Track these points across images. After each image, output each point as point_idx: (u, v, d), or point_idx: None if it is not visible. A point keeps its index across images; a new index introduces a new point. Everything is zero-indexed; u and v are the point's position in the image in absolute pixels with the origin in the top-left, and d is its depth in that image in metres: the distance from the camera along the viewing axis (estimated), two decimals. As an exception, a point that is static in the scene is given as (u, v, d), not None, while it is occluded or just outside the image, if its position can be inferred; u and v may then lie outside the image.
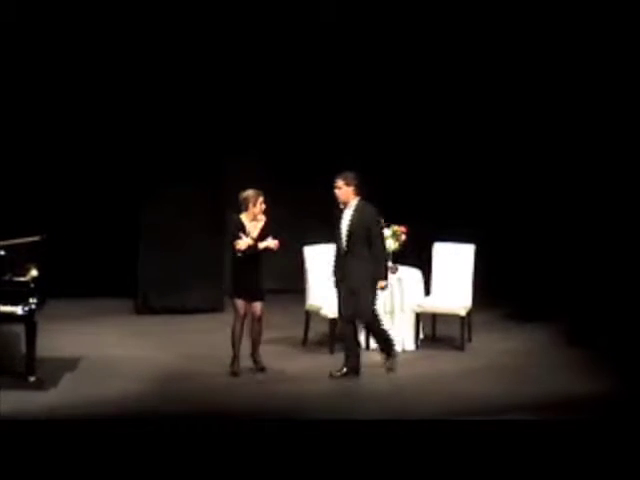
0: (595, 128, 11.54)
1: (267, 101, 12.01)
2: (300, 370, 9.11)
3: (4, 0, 11.11)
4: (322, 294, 9.87)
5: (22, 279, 8.46)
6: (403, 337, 9.79)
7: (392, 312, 9.82)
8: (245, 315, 9.09)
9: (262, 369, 9.12)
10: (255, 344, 9.18)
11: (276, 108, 12.04)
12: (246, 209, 9.11)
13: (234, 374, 9.02)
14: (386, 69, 12.04)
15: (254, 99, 11.97)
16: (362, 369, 9.24)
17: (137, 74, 11.70)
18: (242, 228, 9.06)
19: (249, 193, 9.10)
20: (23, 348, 8.50)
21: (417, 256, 10.24)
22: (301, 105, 12.03)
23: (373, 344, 9.74)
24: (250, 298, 9.06)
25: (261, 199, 9.08)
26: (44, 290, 8.64)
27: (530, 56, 11.73)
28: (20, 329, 8.54)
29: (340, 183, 8.95)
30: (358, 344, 9.11)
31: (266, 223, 9.14)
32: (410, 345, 9.83)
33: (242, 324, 9.09)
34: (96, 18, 11.47)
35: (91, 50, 11.59)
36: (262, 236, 9.07)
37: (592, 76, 11.46)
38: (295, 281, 10.45)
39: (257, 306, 9.08)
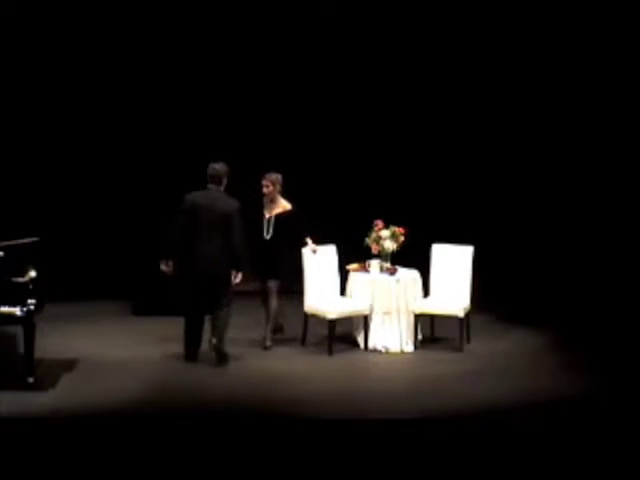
0: (590, 137, 11.59)
1: (264, 101, 12.02)
2: (299, 371, 9.11)
3: None
4: (321, 295, 9.90)
5: (21, 280, 8.44)
6: (402, 338, 9.79)
7: (390, 313, 9.82)
8: (263, 292, 9.85)
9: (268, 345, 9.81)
10: (269, 319, 9.88)
11: (273, 108, 12.04)
12: None
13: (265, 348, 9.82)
14: (385, 67, 12.06)
15: (250, 99, 11.99)
16: (361, 369, 9.34)
17: (137, 72, 11.73)
18: (257, 211, 9.78)
19: None
20: (22, 349, 8.49)
21: (415, 257, 10.23)
22: (299, 105, 12.03)
23: (372, 344, 9.78)
24: (266, 276, 9.77)
25: (264, 182, 9.76)
26: (43, 291, 8.62)
27: (528, 60, 11.77)
28: (19, 330, 8.52)
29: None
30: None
31: (281, 212, 9.74)
32: (409, 346, 9.83)
33: (263, 301, 9.89)
34: (96, 16, 11.48)
35: (91, 47, 11.61)
36: (278, 222, 9.73)
37: (585, 87, 11.51)
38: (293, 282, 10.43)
39: (272, 283, 9.76)
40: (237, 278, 9.29)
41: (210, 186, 9.29)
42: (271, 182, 9.79)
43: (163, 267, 9.34)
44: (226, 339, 9.36)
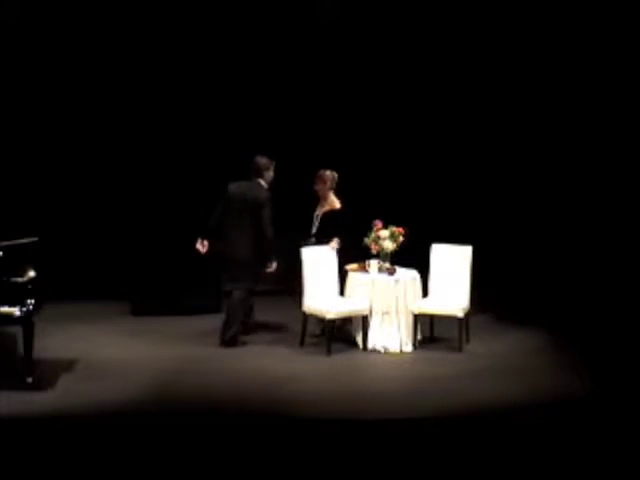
0: (589, 137, 11.60)
1: (266, 101, 12.03)
2: (298, 371, 9.11)
3: None
4: (319, 295, 9.89)
5: (20, 280, 8.43)
6: (401, 338, 9.79)
7: (390, 313, 9.82)
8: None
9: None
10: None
11: (275, 109, 12.05)
12: None
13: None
14: (384, 69, 12.08)
15: (253, 98, 12.01)
16: (360, 369, 9.34)
17: (136, 74, 11.74)
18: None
19: None
20: (21, 349, 8.49)
21: (415, 257, 10.23)
22: (301, 106, 12.04)
23: (371, 344, 9.77)
24: None
25: (316, 179, 10.15)
26: (41, 291, 8.62)
27: (528, 60, 11.77)
28: (18, 330, 8.53)
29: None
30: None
31: (328, 210, 10.05)
32: (408, 346, 9.83)
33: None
34: (100, 18, 11.49)
35: (92, 49, 11.63)
36: (323, 219, 10.08)
37: (585, 87, 11.52)
38: (293, 282, 10.44)
39: None
40: (269, 267, 9.82)
41: (252, 177, 9.86)
42: (321, 179, 10.10)
43: (198, 245, 9.90)
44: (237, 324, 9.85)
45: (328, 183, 10.14)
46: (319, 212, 10.19)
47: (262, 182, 9.87)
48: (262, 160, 9.89)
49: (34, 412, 7.77)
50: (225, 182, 9.88)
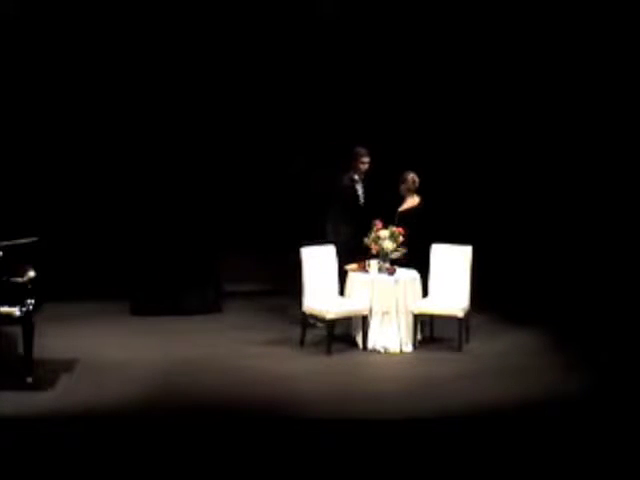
0: (589, 137, 11.60)
1: (264, 101, 12.03)
2: (298, 371, 9.11)
3: None
4: (319, 295, 9.89)
5: (19, 280, 8.43)
6: (401, 338, 9.79)
7: (389, 313, 9.82)
8: None
9: None
10: None
11: (273, 109, 12.05)
12: None
13: None
14: (383, 71, 12.08)
15: (251, 98, 12.01)
16: (359, 369, 9.33)
17: (135, 74, 11.74)
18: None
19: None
20: (21, 349, 8.49)
21: (415, 257, 10.22)
22: (299, 106, 12.04)
23: (371, 344, 9.77)
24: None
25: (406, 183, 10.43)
26: (41, 291, 8.62)
27: (528, 60, 11.78)
28: (18, 330, 8.52)
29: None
30: None
31: (405, 209, 10.32)
32: (408, 346, 9.83)
33: None
34: (102, 16, 11.50)
35: (93, 49, 11.63)
36: (400, 218, 10.20)
37: (585, 87, 11.52)
38: (293, 282, 10.44)
39: None
40: None
41: None
42: (401, 180, 10.40)
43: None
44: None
45: (405, 184, 10.40)
46: (399, 210, 10.41)
47: (353, 173, 10.39)
48: (354, 150, 10.36)
49: (34, 412, 7.77)
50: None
